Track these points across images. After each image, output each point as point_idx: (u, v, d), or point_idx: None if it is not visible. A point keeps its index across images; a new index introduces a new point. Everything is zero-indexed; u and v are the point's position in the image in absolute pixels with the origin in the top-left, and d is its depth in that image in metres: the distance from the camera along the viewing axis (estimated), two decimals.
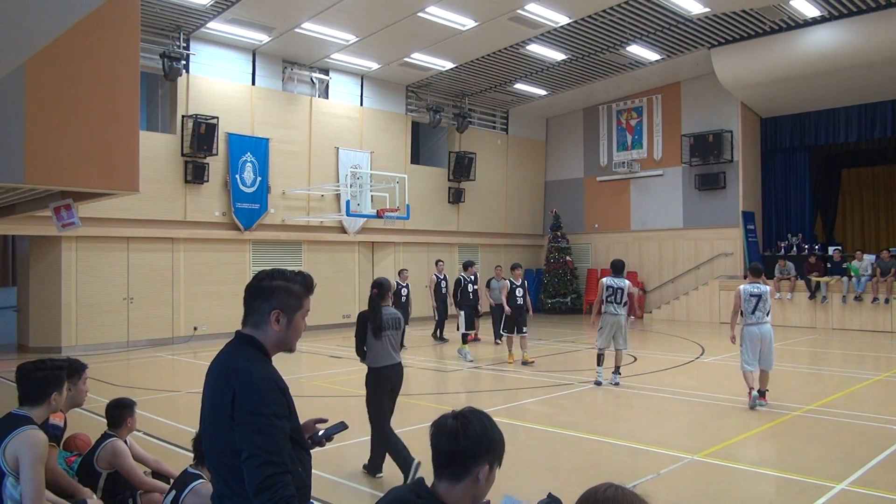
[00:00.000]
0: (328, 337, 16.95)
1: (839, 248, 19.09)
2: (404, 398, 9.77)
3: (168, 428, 7.91)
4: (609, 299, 10.19)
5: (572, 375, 11.15)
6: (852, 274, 17.51)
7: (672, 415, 8.64)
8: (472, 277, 13.91)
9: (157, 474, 4.86)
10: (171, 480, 4.35)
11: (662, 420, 8.40)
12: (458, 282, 14.00)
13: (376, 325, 6.05)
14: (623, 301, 10.15)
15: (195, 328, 16.02)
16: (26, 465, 3.30)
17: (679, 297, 21.12)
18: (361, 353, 6.21)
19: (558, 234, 23.11)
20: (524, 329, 12.21)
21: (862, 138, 19.69)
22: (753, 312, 8.64)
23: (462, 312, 13.59)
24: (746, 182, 20.36)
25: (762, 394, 8.73)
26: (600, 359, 10.26)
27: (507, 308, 12.15)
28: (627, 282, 10.28)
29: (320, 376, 11.33)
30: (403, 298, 14.41)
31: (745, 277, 9.08)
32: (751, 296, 8.66)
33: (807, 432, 7.52)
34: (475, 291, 13.99)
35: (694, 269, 21.19)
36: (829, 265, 18.45)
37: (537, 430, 7.69)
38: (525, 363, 11.98)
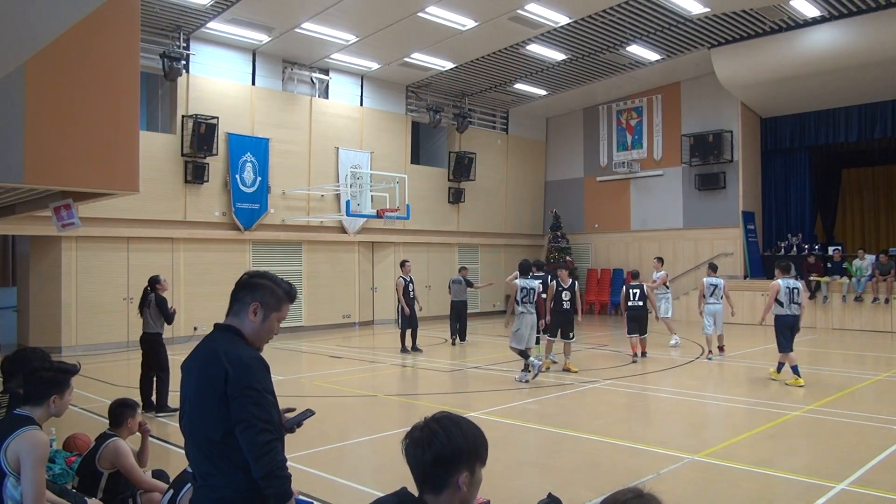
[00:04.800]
0: (328, 337, 16.95)
1: (839, 248, 19.10)
2: (405, 398, 9.79)
3: (168, 428, 7.92)
4: (524, 300, 10.63)
5: (572, 376, 11.15)
6: (851, 274, 17.52)
7: (672, 415, 8.65)
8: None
9: (158, 474, 4.86)
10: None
11: (662, 420, 8.41)
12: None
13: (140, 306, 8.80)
14: (535, 300, 10.71)
15: (195, 328, 16.00)
16: (27, 466, 3.30)
17: (679, 297, 21.10)
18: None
19: (558, 234, 23.10)
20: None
21: (862, 138, 19.68)
22: (711, 295, 12.76)
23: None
24: (746, 182, 20.36)
25: (720, 348, 12.88)
26: (527, 354, 10.65)
27: None
28: (537, 282, 10.86)
29: (320, 376, 11.32)
30: (413, 294, 14.09)
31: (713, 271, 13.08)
32: (710, 285, 12.75)
33: (807, 432, 7.52)
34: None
35: (694, 269, 21.19)
36: (828, 265, 18.45)
37: (537, 430, 7.69)
38: None
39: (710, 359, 12.62)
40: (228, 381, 2.46)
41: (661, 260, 15.32)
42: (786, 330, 10.09)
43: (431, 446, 1.90)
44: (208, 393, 2.50)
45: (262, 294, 2.67)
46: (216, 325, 2.71)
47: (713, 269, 13.38)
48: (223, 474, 2.49)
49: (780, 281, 10.22)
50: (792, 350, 10.10)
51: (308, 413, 2.93)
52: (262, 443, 2.41)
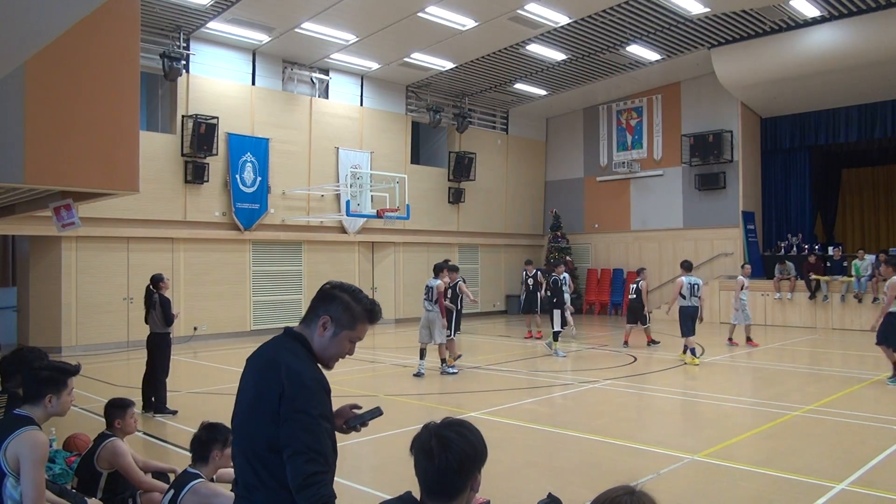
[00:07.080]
0: None
1: (839, 247, 19.09)
2: (405, 398, 9.79)
3: (168, 427, 7.92)
4: (424, 297, 11.37)
5: (572, 375, 11.15)
6: (853, 274, 17.51)
7: (672, 415, 8.65)
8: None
9: (158, 474, 4.86)
10: (171, 480, 4.35)
11: (662, 420, 8.41)
12: (556, 282, 13.98)
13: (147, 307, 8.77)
14: (434, 299, 11.28)
15: (195, 328, 16.01)
16: (27, 467, 3.29)
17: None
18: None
19: (558, 234, 23.10)
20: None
21: (862, 138, 19.68)
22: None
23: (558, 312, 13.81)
24: (746, 182, 20.36)
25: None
26: (423, 353, 11.31)
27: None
28: (438, 281, 11.45)
29: None
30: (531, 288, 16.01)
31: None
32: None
33: (807, 432, 7.52)
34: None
35: (694, 270, 21.15)
36: (828, 265, 18.44)
37: (537, 430, 7.69)
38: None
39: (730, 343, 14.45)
40: (283, 400, 2.31)
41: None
42: (687, 319, 12.02)
43: (453, 455, 1.87)
44: (262, 406, 2.35)
45: (335, 309, 2.47)
46: (286, 330, 2.53)
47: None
48: (267, 490, 2.34)
49: (682, 278, 12.28)
50: (694, 335, 12.11)
51: (376, 412, 2.75)
52: (308, 473, 2.25)
